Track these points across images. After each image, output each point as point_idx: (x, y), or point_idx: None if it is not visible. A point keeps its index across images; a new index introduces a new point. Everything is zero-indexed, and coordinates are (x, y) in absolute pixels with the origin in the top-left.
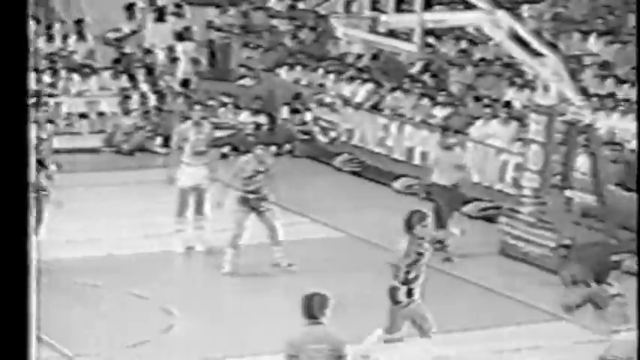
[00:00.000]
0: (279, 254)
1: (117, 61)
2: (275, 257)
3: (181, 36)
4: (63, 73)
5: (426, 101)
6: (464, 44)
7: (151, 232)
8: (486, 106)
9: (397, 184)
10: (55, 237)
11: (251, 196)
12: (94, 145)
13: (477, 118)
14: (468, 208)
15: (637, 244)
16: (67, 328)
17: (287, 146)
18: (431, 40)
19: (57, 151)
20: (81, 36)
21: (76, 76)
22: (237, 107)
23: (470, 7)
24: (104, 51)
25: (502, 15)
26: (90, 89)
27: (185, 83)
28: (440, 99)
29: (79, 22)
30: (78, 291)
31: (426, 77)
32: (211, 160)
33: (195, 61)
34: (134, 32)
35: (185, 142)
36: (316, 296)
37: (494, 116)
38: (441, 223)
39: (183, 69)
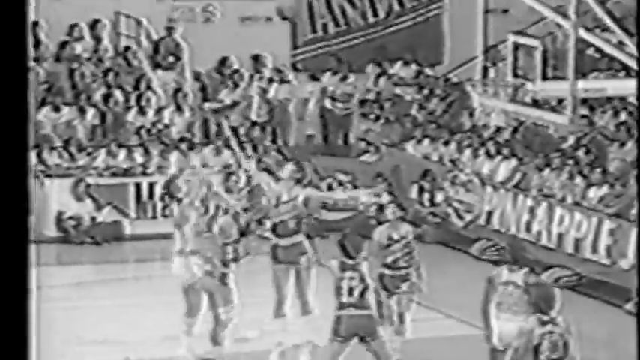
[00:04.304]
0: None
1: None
2: None
3: None
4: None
5: (578, 180)
6: (623, 116)
7: None
8: None
9: (545, 276)
10: None
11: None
12: None
13: None
14: None
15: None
16: None
17: (415, 231)
18: (584, 111)
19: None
20: (178, 107)
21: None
22: (355, 187)
23: (630, 73)
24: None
25: None
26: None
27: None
28: (595, 178)
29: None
30: None
31: (580, 153)
32: None
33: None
34: (235, 103)
35: None
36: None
37: None
38: None
39: None
